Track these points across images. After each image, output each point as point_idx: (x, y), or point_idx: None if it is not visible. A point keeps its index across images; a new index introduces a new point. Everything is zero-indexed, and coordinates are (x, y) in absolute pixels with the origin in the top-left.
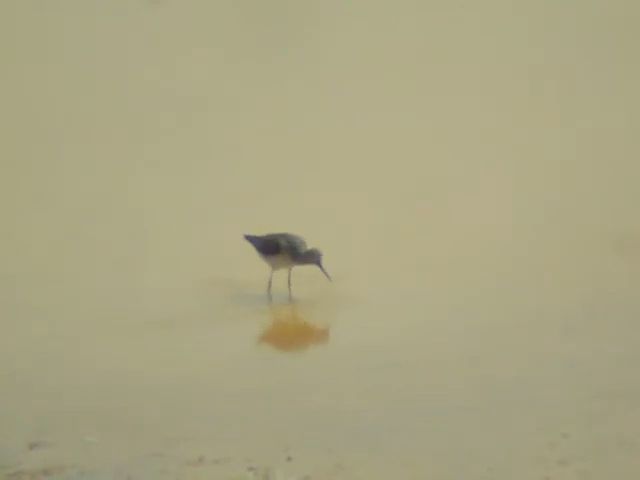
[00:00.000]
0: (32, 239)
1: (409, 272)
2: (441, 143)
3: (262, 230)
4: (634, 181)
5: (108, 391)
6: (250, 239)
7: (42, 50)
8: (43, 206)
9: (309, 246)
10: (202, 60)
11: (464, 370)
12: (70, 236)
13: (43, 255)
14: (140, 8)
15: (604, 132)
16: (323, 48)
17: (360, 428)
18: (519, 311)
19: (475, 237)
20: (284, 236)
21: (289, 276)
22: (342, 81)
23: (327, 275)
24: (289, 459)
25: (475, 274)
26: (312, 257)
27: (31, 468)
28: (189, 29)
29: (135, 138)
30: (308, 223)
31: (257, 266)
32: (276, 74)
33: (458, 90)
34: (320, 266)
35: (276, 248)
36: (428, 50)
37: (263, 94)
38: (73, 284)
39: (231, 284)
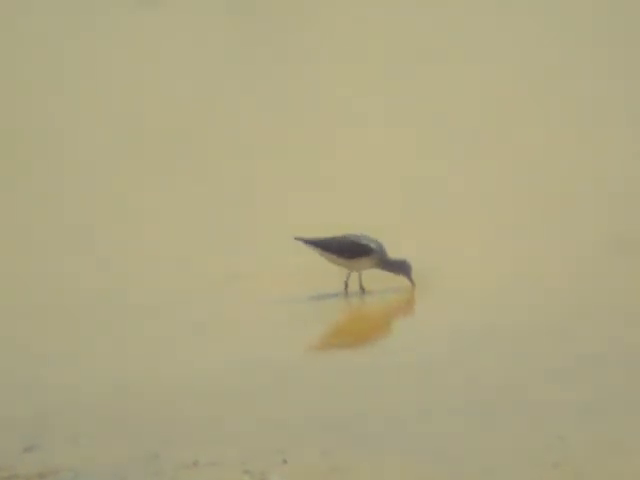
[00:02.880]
0: (32, 239)
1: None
2: (441, 143)
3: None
4: (634, 182)
5: (103, 394)
6: (312, 242)
7: (41, 51)
8: (44, 206)
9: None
10: (201, 60)
11: (461, 371)
12: (75, 237)
13: (43, 255)
14: (136, 10)
15: (604, 132)
16: (321, 45)
17: (356, 430)
18: (519, 311)
19: (475, 237)
20: (366, 238)
21: (360, 279)
22: (341, 80)
23: (412, 282)
24: (285, 462)
25: (475, 274)
26: (403, 268)
27: (26, 471)
28: (186, 30)
29: (136, 139)
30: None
31: (248, 268)
32: (275, 73)
33: (457, 86)
34: (410, 278)
35: (366, 251)
36: (427, 46)
37: (263, 94)
38: (73, 284)
39: (228, 283)
